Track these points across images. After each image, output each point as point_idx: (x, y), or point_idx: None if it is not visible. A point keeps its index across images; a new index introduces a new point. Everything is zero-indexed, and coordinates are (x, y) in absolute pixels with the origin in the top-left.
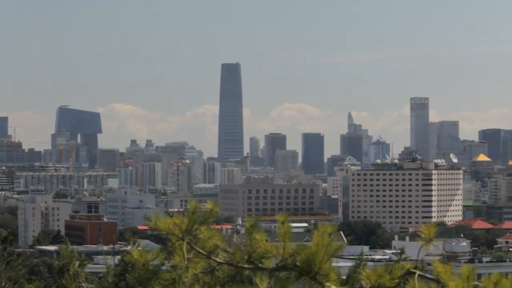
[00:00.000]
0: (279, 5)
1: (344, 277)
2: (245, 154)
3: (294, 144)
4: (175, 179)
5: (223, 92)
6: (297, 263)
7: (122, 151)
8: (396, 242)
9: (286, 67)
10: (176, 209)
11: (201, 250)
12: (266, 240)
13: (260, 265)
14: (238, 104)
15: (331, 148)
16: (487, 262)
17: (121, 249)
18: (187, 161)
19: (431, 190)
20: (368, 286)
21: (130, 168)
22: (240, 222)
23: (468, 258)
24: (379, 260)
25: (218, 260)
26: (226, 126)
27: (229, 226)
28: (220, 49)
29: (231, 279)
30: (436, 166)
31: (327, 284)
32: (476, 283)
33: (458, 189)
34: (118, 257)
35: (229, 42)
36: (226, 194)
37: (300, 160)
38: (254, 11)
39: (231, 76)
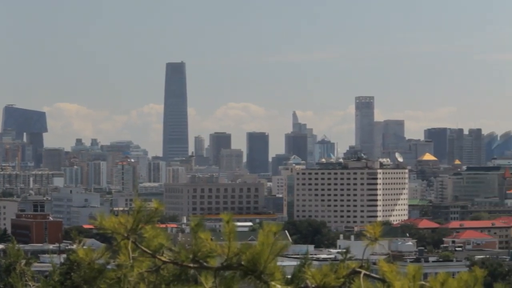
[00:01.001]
0: (224, 4)
1: (289, 277)
2: (189, 153)
3: (239, 143)
4: (120, 178)
5: (167, 91)
6: (242, 262)
7: (68, 150)
8: (341, 241)
9: (231, 66)
10: (121, 208)
11: (146, 249)
12: (211, 239)
13: (205, 264)
14: (183, 103)
15: (276, 147)
16: (433, 261)
17: (66, 248)
18: (132, 160)
19: (376, 189)
20: (313, 286)
21: (75, 167)
22: (185, 221)
23: (414, 257)
24: (324, 260)
25: (163, 259)
26: (171, 125)
27: (174, 225)
28: (164, 48)
29: (176, 278)
30: (381, 165)
31: (272, 283)
32: (422, 282)
33: (404, 188)
34: (64, 255)
35: (173, 41)
36: (171, 193)
37: (244, 159)
38: (199, 10)
39: (175, 75)
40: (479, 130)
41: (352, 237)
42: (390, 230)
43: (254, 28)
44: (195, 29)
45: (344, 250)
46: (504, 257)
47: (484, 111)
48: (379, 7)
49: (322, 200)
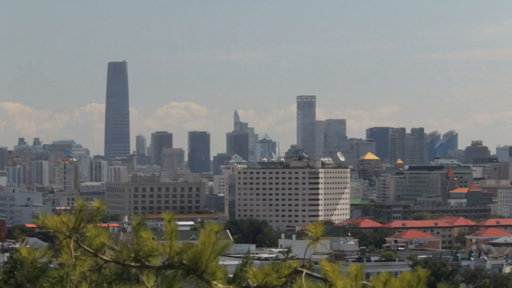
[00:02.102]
0: (165, 4)
1: (231, 276)
2: (131, 152)
3: (181, 143)
4: (62, 177)
5: (109, 91)
6: (184, 262)
7: (10, 150)
8: (282, 241)
9: (173, 65)
10: (63, 207)
11: (88, 248)
12: (153, 238)
13: (146, 263)
14: (125, 103)
15: (217, 146)
16: (375, 261)
17: (9, 246)
18: (74, 160)
19: (318, 189)
20: (254, 285)
21: (18, 166)
22: (126, 220)
23: (356, 257)
24: (266, 259)
25: (105, 258)
26: (113, 125)
27: (115, 224)
28: (106, 47)
29: (118, 277)
30: (323, 165)
31: (214, 282)
32: (365, 282)
33: (346, 188)
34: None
35: (115, 41)
36: (113, 192)
37: (186, 158)
38: (140, 9)
39: (117, 74)
40: (422, 129)
41: (294, 236)
42: (331, 230)
43: (196, 27)
44: (137, 28)
45: (286, 249)
46: (447, 257)
47: (427, 111)
48: (321, 6)
49: (264, 200)
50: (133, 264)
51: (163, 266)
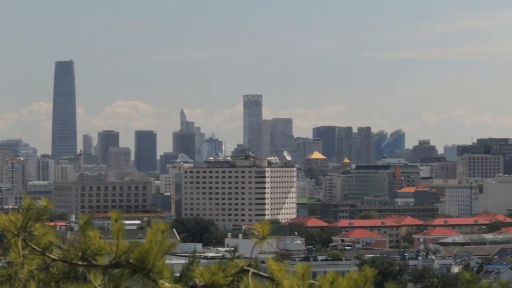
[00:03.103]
0: (113, 3)
1: (178, 275)
2: (78, 152)
3: (127, 142)
4: (10, 176)
5: (56, 90)
6: (131, 261)
7: None
8: (229, 240)
9: (120, 64)
10: (11, 206)
11: (36, 247)
12: (100, 237)
13: (94, 262)
14: (72, 102)
15: (164, 145)
16: (322, 260)
17: None
18: (22, 159)
19: (264, 188)
20: (201, 284)
21: None
22: (73, 219)
23: (303, 256)
24: (213, 258)
25: (53, 256)
26: (60, 124)
27: (63, 223)
28: (53, 46)
29: (65, 275)
30: (269, 164)
31: (161, 281)
32: (312, 281)
33: (292, 187)
34: None
35: (62, 40)
36: (60, 191)
37: (133, 157)
38: (87, 8)
39: (64, 73)
40: (369, 128)
41: (240, 235)
42: (278, 229)
43: (143, 26)
44: (84, 28)
45: (232, 249)
46: (395, 256)
47: (374, 110)
48: (266, 5)
49: (210, 199)
50: (80, 263)
51: (110, 265)
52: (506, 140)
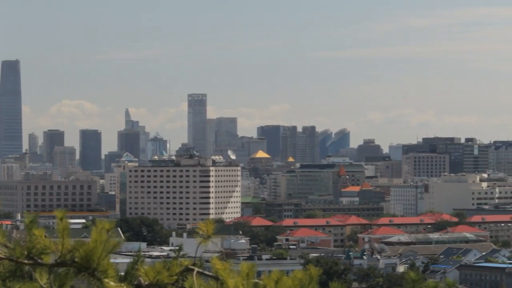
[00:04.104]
0: (58, 2)
1: (123, 274)
2: (24, 151)
3: (72, 141)
4: None
5: (2, 89)
6: (76, 259)
7: None
8: (174, 239)
9: (65, 64)
10: None
11: None
12: (45, 236)
13: (39, 261)
14: (17, 101)
15: (109, 144)
16: (266, 259)
17: None
18: None
19: (208, 187)
20: (146, 283)
21: None
22: (19, 218)
23: (247, 255)
24: (157, 257)
25: None
26: (6, 123)
27: (8, 222)
28: None
29: (11, 274)
30: (214, 163)
31: (106, 280)
32: (256, 280)
33: (236, 186)
34: None
35: (8, 39)
36: (6, 190)
37: (78, 156)
38: (33, 8)
39: (10, 73)
40: (313, 127)
41: (185, 234)
42: (222, 228)
43: (88, 25)
44: (30, 27)
45: (177, 248)
46: (340, 255)
47: (319, 109)
48: (211, 4)
49: (155, 198)
50: (26, 261)
51: (55, 264)
52: (452, 139)
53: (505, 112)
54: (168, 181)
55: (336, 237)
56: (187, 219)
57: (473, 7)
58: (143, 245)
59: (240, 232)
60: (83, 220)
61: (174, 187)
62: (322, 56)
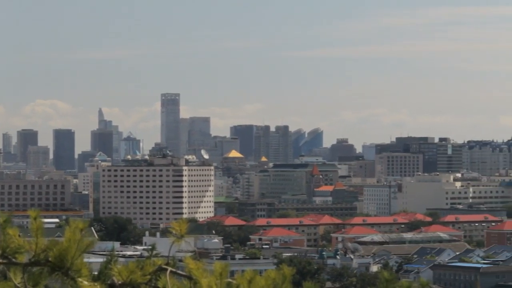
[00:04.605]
0: (31, 1)
1: (96, 273)
2: None
3: (46, 140)
4: None
5: None
6: (50, 259)
7: None
8: (147, 238)
9: (39, 63)
10: None
11: None
12: (19, 236)
13: (13, 260)
14: None
15: (82, 144)
16: (240, 259)
17: None
18: None
19: (182, 186)
20: (119, 282)
21: None
22: None
23: (221, 255)
24: (131, 256)
25: None
26: None
27: None
28: None
29: None
30: (187, 162)
31: (79, 279)
32: (229, 280)
33: (210, 186)
34: None
35: None
36: None
37: (51, 156)
38: (5, 7)
39: None
40: (286, 127)
41: (158, 234)
42: (196, 227)
43: (61, 25)
44: (2, 26)
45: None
46: (313, 255)
47: (292, 108)
48: (184, 4)
49: (128, 197)
50: (0, 261)
51: (29, 263)
52: (425, 139)
53: (479, 112)
54: (141, 181)
55: (310, 237)
56: (160, 219)
57: (447, 7)
58: (117, 244)
59: (213, 232)
60: (56, 220)
61: (147, 186)
62: (295, 56)
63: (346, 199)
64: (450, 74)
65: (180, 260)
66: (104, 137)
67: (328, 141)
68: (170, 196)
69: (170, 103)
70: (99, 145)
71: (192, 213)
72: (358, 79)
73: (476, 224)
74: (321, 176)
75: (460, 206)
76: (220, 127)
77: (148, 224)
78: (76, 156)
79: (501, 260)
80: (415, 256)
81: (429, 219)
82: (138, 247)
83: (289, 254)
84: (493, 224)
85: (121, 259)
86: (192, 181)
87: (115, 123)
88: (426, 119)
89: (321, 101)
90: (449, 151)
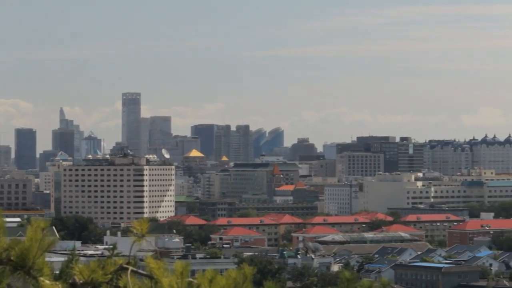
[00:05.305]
0: None
1: (58, 272)
2: None
3: (8, 140)
4: None
5: None
6: (12, 258)
7: None
8: (108, 238)
9: (0, 63)
10: None
11: None
12: None
13: None
14: None
15: (44, 143)
16: (200, 258)
17: None
18: None
19: (142, 186)
20: (81, 281)
21: None
22: None
23: (181, 254)
24: (92, 256)
25: None
26: None
27: None
28: None
29: None
30: (148, 162)
31: (41, 278)
32: (190, 279)
33: (170, 185)
34: None
35: None
36: None
37: (13, 155)
38: None
39: None
40: (247, 126)
41: (119, 233)
42: (157, 227)
43: (23, 25)
44: None
45: (111, 246)
46: (274, 254)
47: (252, 108)
48: (145, 4)
49: (89, 197)
50: None
51: None
52: (386, 138)
53: (441, 112)
54: (102, 180)
55: (270, 236)
56: (121, 218)
57: (408, 7)
58: (78, 243)
59: (174, 231)
60: (18, 219)
61: (109, 186)
62: (256, 56)
63: (307, 198)
64: (411, 73)
65: (141, 260)
66: (65, 137)
67: (288, 141)
68: (131, 195)
69: (131, 102)
70: (60, 144)
71: (153, 212)
72: (319, 79)
73: (438, 224)
74: (281, 176)
75: (422, 206)
76: (181, 127)
77: (109, 224)
78: (37, 156)
79: (463, 260)
80: (376, 255)
81: (390, 218)
82: (99, 247)
83: (250, 254)
84: (455, 223)
85: (82, 259)
86: (153, 180)
87: (76, 123)
88: (387, 119)
89: (282, 100)
90: (411, 151)
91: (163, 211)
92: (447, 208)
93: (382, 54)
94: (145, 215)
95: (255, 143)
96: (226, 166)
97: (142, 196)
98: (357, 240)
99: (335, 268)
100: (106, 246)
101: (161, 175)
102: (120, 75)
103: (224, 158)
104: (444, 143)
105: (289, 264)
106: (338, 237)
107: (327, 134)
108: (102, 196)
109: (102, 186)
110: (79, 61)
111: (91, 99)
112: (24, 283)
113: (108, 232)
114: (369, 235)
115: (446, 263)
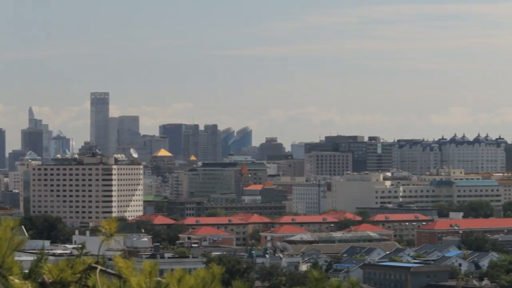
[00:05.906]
0: None
1: (27, 271)
2: None
3: None
4: None
5: None
6: None
7: None
8: (77, 237)
9: None
10: None
11: None
12: None
13: None
14: None
15: (13, 143)
16: (169, 258)
17: None
18: None
19: (111, 185)
20: (50, 281)
21: None
22: None
23: (150, 253)
24: (61, 255)
25: None
26: None
27: None
28: None
29: None
30: (116, 161)
31: (11, 277)
32: (159, 279)
33: (139, 184)
34: None
35: None
36: None
37: None
38: None
39: None
40: (215, 126)
41: (88, 232)
42: (125, 226)
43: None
44: None
45: (80, 246)
46: (242, 254)
47: (221, 107)
48: (115, 3)
49: (58, 196)
50: None
51: None
52: (355, 137)
53: (409, 111)
54: (71, 180)
55: (239, 236)
56: (89, 217)
57: (375, 6)
58: (47, 243)
59: (143, 230)
60: None
61: (77, 185)
62: (224, 55)
63: (275, 198)
64: (379, 73)
65: (110, 259)
66: (34, 136)
67: (257, 140)
68: (100, 194)
69: (100, 102)
70: (29, 144)
71: (121, 211)
72: (287, 78)
73: (407, 224)
74: (250, 175)
75: (390, 205)
76: (149, 126)
77: (77, 223)
78: (6, 155)
79: (432, 260)
80: (344, 255)
81: (358, 218)
82: (68, 246)
83: (218, 253)
84: (424, 223)
85: (51, 258)
86: (121, 180)
87: (45, 122)
88: (355, 118)
89: (250, 100)
90: (379, 150)
91: (131, 211)
92: (416, 208)
93: (351, 53)
94: (114, 215)
95: (224, 142)
96: (195, 165)
97: (111, 196)
98: (326, 239)
99: (304, 267)
100: (75, 246)
101: (129, 174)
102: (89, 74)
103: (193, 158)
104: (412, 143)
105: (257, 264)
106: (307, 236)
107: (295, 134)
108: (71, 196)
109: (71, 185)
110: (48, 60)
111: (60, 99)
112: None
113: (76, 231)
114: (337, 234)
115: (415, 263)
